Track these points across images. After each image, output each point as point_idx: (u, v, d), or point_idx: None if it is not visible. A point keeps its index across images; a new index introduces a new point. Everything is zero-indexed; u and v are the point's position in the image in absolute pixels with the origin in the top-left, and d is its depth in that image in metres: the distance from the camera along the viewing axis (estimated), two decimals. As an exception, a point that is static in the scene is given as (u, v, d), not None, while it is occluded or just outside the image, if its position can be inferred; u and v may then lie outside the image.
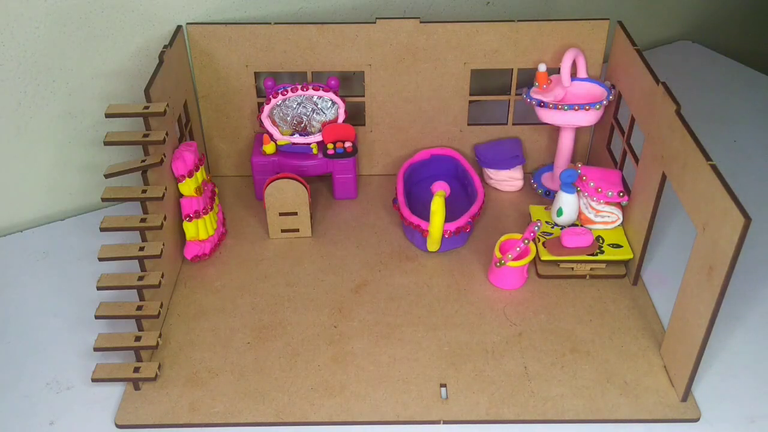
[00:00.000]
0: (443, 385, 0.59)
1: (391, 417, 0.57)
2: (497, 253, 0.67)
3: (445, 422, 0.57)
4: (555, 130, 0.79)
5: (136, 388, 0.59)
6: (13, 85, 0.70)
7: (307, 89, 0.74)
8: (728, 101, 0.97)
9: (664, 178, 0.61)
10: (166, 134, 0.61)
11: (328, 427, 0.57)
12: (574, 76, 0.76)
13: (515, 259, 0.66)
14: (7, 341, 0.64)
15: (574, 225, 0.71)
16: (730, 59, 1.08)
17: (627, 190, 0.70)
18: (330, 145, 0.76)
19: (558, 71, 0.75)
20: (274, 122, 0.76)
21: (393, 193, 0.79)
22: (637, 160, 0.68)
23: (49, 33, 0.69)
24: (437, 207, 0.67)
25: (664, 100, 0.61)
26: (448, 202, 0.72)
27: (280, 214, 0.73)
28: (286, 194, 0.71)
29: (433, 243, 0.70)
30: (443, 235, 0.69)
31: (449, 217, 0.70)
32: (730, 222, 0.49)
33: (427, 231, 0.69)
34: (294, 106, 0.75)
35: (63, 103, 0.73)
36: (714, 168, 0.52)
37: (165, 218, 0.62)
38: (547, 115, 0.74)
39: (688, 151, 0.56)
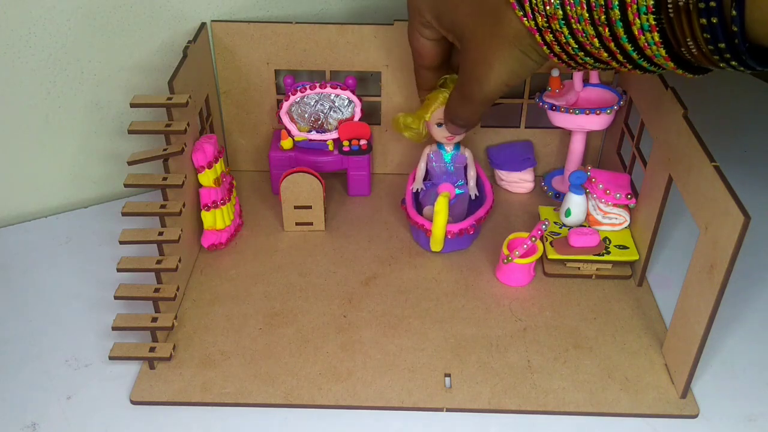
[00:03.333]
0: (448, 375, 0.61)
1: (396, 403, 0.58)
2: (505, 251, 0.69)
3: (448, 410, 0.58)
4: (567, 134, 0.81)
5: (152, 367, 0.61)
6: (43, 75, 0.73)
7: (325, 87, 0.77)
8: (739, 113, 0.98)
9: (670, 180, 0.63)
10: (188, 124, 0.64)
11: (335, 410, 0.58)
12: (586, 81, 0.77)
13: (522, 256, 0.68)
14: (29, 320, 0.67)
15: (581, 226, 0.73)
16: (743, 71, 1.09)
17: (635, 192, 0.72)
18: (345, 143, 0.78)
19: (570, 76, 0.77)
20: (292, 119, 0.79)
21: (405, 193, 0.81)
22: (645, 163, 0.70)
23: (79, 26, 0.72)
24: (440, 207, 0.69)
25: (672, 104, 0.62)
26: (457, 204, 0.74)
27: (295, 207, 0.75)
28: (302, 188, 0.73)
29: (436, 243, 0.71)
30: (446, 236, 0.71)
31: (455, 219, 0.72)
32: (730, 221, 0.50)
33: (431, 231, 0.71)
34: (312, 103, 0.78)
35: (90, 93, 0.76)
36: (717, 169, 0.53)
37: (184, 205, 0.64)
38: (559, 119, 0.76)
39: (694, 153, 0.57)
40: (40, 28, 0.71)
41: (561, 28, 0.47)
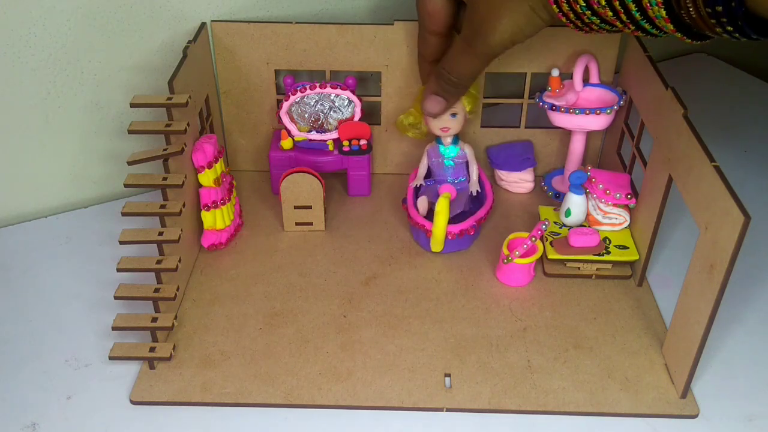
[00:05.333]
0: (447, 375, 0.61)
1: (396, 403, 0.58)
2: (505, 251, 0.69)
3: (448, 410, 0.58)
4: (567, 134, 0.81)
5: (151, 367, 0.61)
6: (44, 75, 0.73)
7: (325, 87, 0.77)
8: (740, 113, 0.98)
9: (670, 180, 0.63)
10: (188, 124, 0.64)
11: (335, 410, 0.58)
12: (586, 81, 0.77)
13: (522, 256, 0.68)
14: (29, 320, 0.67)
15: (581, 226, 0.73)
16: (744, 72, 1.09)
17: (635, 192, 0.72)
18: (345, 143, 0.78)
19: (571, 76, 0.77)
20: (292, 119, 0.79)
21: (405, 192, 0.81)
22: (645, 163, 0.70)
23: (79, 26, 0.72)
24: (441, 208, 0.69)
25: (672, 105, 0.62)
26: (456, 199, 0.73)
27: (295, 207, 0.75)
28: (302, 188, 0.73)
29: (437, 244, 0.71)
30: (447, 237, 0.71)
31: (456, 219, 0.72)
32: (730, 220, 0.50)
33: (431, 231, 0.71)
34: (312, 103, 0.78)
35: (90, 93, 0.76)
36: (717, 168, 0.53)
37: (184, 205, 0.64)
38: (559, 119, 0.76)
39: (694, 153, 0.57)
40: (40, 28, 0.71)
41: None
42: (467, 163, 0.76)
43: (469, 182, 0.77)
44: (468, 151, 0.76)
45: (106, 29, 0.74)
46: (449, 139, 0.75)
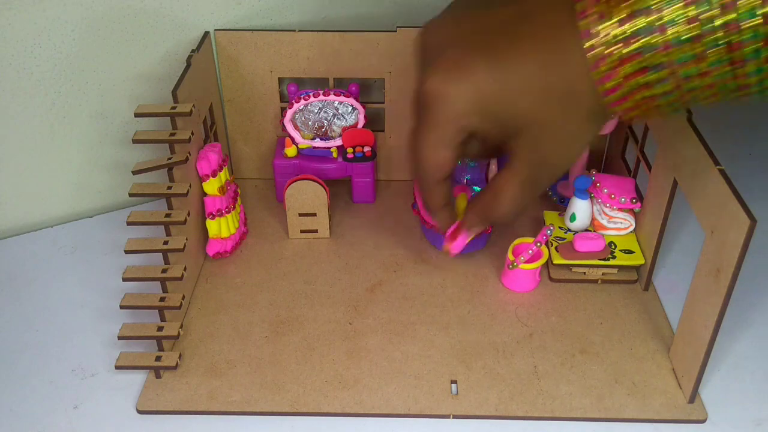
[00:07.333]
0: (454, 382, 0.61)
1: (402, 410, 0.58)
2: (510, 256, 0.69)
3: (455, 416, 0.58)
4: (570, 139, 0.80)
5: (158, 376, 0.61)
6: (49, 85, 0.74)
7: (328, 95, 0.77)
8: (745, 116, 0.98)
9: (675, 184, 0.63)
10: (192, 133, 0.64)
11: (341, 417, 0.58)
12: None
13: (527, 261, 0.68)
14: (35, 329, 0.67)
15: (587, 230, 0.72)
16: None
17: (640, 196, 0.72)
18: (350, 150, 0.78)
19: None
20: (296, 126, 0.79)
21: (410, 198, 0.81)
22: (650, 167, 0.69)
23: (83, 36, 0.73)
24: (460, 209, 0.69)
25: (676, 108, 0.62)
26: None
27: (300, 215, 0.75)
28: (306, 195, 0.73)
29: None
30: None
31: None
32: (736, 224, 0.50)
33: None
34: (315, 111, 0.78)
35: (95, 103, 0.77)
36: (722, 172, 0.53)
37: (189, 214, 0.64)
38: (562, 124, 0.76)
39: (698, 156, 0.57)
40: (45, 39, 0.71)
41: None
42: (488, 164, 0.76)
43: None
44: None
45: (110, 39, 0.74)
46: None
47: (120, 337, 0.61)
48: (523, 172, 0.50)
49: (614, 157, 0.80)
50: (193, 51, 0.70)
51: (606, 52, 0.42)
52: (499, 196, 0.52)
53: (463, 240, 0.60)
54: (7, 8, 0.68)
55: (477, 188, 0.74)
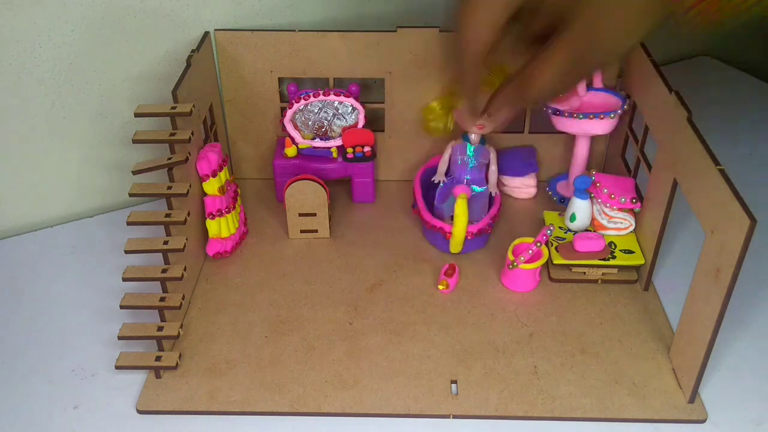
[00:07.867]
0: (454, 382, 0.61)
1: (402, 410, 0.58)
2: (510, 256, 0.69)
3: (455, 416, 0.58)
4: (570, 139, 0.80)
5: (158, 376, 0.61)
6: (49, 86, 0.74)
7: (328, 95, 0.77)
8: (745, 116, 0.98)
9: (675, 184, 0.63)
10: (192, 133, 0.64)
11: (342, 417, 0.58)
12: (590, 85, 0.77)
13: (527, 261, 0.68)
14: (36, 329, 0.67)
15: (587, 230, 0.72)
16: (749, 75, 1.08)
17: (640, 196, 0.72)
18: (350, 150, 0.78)
19: (574, 81, 0.77)
20: (296, 126, 0.79)
21: (410, 198, 0.81)
22: (650, 167, 0.69)
23: (84, 37, 0.73)
24: (461, 210, 0.69)
25: (676, 108, 0.62)
26: (477, 204, 0.73)
27: (300, 215, 0.75)
28: (306, 195, 0.73)
29: (457, 245, 0.71)
30: (466, 237, 0.71)
31: (476, 218, 0.72)
32: (736, 224, 0.50)
33: (450, 233, 0.71)
34: (315, 111, 0.78)
35: (95, 103, 0.77)
36: (722, 172, 0.53)
37: (189, 214, 0.64)
38: (563, 124, 0.76)
39: (698, 156, 0.57)
40: (45, 38, 0.71)
41: None
42: (488, 165, 0.76)
43: (486, 187, 0.76)
44: (492, 151, 0.76)
45: (110, 39, 0.74)
46: (478, 138, 0.74)
47: (120, 337, 0.61)
48: (574, 44, 0.49)
49: (614, 157, 0.80)
50: (193, 51, 0.70)
51: None
52: (543, 66, 0.51)
53: (499, 118, 0.59)
54: (7, 8, 0.68)
55: (477, 188, 0.74)
